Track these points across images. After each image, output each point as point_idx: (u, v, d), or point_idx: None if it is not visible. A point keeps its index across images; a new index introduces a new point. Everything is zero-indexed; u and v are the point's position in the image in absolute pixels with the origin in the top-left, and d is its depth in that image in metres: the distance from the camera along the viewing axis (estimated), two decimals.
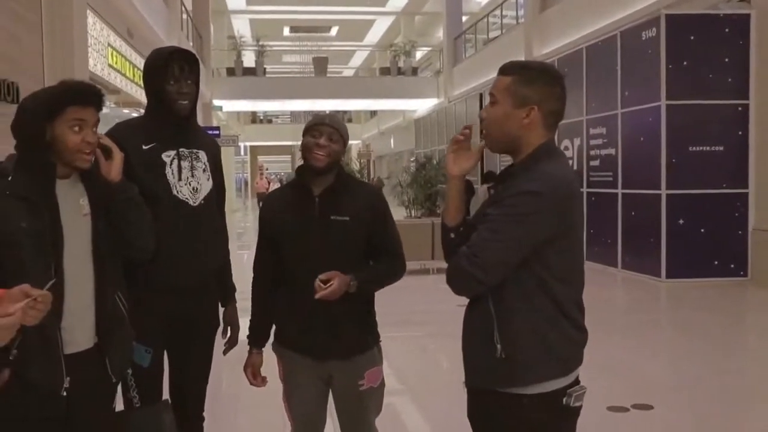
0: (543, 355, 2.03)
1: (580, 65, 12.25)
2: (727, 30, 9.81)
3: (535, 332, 2.02)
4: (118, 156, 2.41)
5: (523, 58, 15.05)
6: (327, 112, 2.83)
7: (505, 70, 2.10)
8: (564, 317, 2.05)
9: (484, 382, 2.09)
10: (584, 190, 12.11)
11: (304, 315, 2.68)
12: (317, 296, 2.49)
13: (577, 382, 2.10)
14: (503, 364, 2.02)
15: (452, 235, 2.16)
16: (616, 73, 11.00)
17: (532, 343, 2.01)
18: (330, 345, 2.69)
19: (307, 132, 2.70)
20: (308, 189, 2.71)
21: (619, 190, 11.01)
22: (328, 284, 2.50)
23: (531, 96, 2.04)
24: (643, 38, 10.24)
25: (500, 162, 12.22)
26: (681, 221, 9.84)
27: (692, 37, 9.76)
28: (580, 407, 2.10)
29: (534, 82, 2.05)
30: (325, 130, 2.66)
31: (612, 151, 11.25)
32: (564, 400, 2.05)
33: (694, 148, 9.83)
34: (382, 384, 2.83)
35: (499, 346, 2.01)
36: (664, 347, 6.85)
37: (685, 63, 9.77)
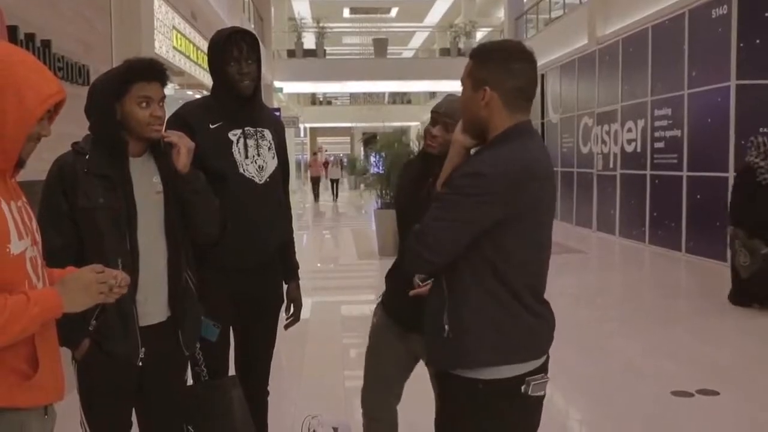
0: (491, 340, 1.98)
1: (645, 45, 11.94)
2: None
3: (484, 315, 1.97)
4: (184, 148, 2.45)
5: (586, 39, 14.79)
6: (447, 97, 2.78)
7: (469, 55, 2.09)
8: (519, 303, 2.00)
9: (437, 363, 2.14)
10: (647, 172, 11.87)
11: (400, 285, 2.74)
12: (411, 294, 2.56)
13: (540, 370, 2.05)
14: (449, 345, 2.01)
15: None
16: (684, 53, 10.69)
17: (479, 325, 1.97)
18: (415, 318, 2.73)
19: (431, 114, 2.72)
20: (426, 168, 2.72)
21: (684, 173, 10.73)
22: (425, 283, 2.51)
23: (485, 77, 2.01)
24: (713, 16, 9.91)
25: None
26: None
27: (766, 14, 9.41)
28: (542, 397, 2.06)
29: (487, 63, 2.01)
30: (440, 119, 2.66)
31: (677, 132, 10.96)
32: (522, 388, 2.00)
33: (765, 130, 9.50)
34: None
35: (446, 327, 2.01)
36: (731, 333, 6.68)
37: (757, 41, 9.42)
